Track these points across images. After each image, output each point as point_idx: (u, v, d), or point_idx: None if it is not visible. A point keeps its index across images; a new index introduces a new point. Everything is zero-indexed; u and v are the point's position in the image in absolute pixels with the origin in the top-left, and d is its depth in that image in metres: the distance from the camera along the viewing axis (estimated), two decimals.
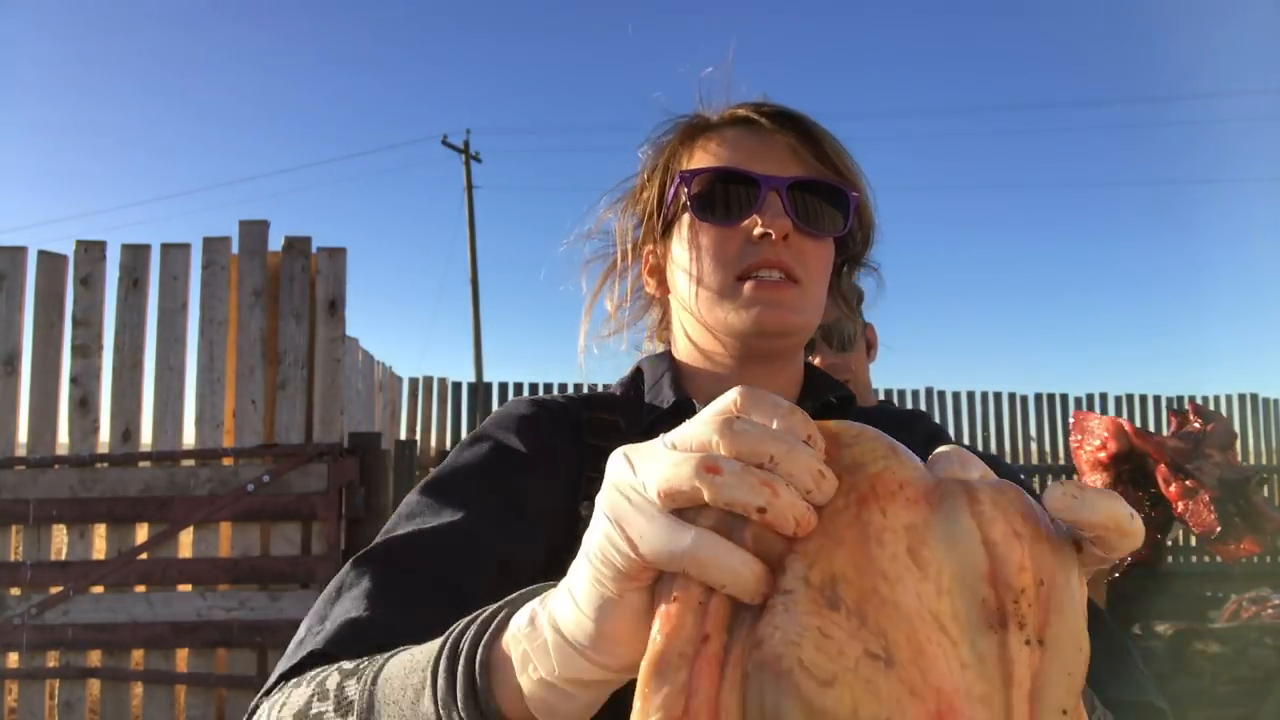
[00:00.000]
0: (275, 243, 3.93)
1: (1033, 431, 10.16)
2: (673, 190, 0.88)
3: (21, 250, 3.85)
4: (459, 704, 0.52)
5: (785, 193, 0.83)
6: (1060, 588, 0.40)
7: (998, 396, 9.54)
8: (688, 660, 0.39)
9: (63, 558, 3.70)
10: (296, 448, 3.74)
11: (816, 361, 1.22)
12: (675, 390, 0.91)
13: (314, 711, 0.61)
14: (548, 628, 0.48)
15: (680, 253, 0.88)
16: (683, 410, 0.88)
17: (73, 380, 3.76)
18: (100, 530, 3.75)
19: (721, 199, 0.85)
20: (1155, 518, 1.40)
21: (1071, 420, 1.47)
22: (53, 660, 3.66)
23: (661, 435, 0.44)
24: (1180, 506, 1.39)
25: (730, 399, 0.43)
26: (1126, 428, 1.43)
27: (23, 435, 3.74)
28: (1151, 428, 9.67)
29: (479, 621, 0.54)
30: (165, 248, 3.89)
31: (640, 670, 0.39)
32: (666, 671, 0.39)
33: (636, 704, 0.39)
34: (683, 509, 0.41)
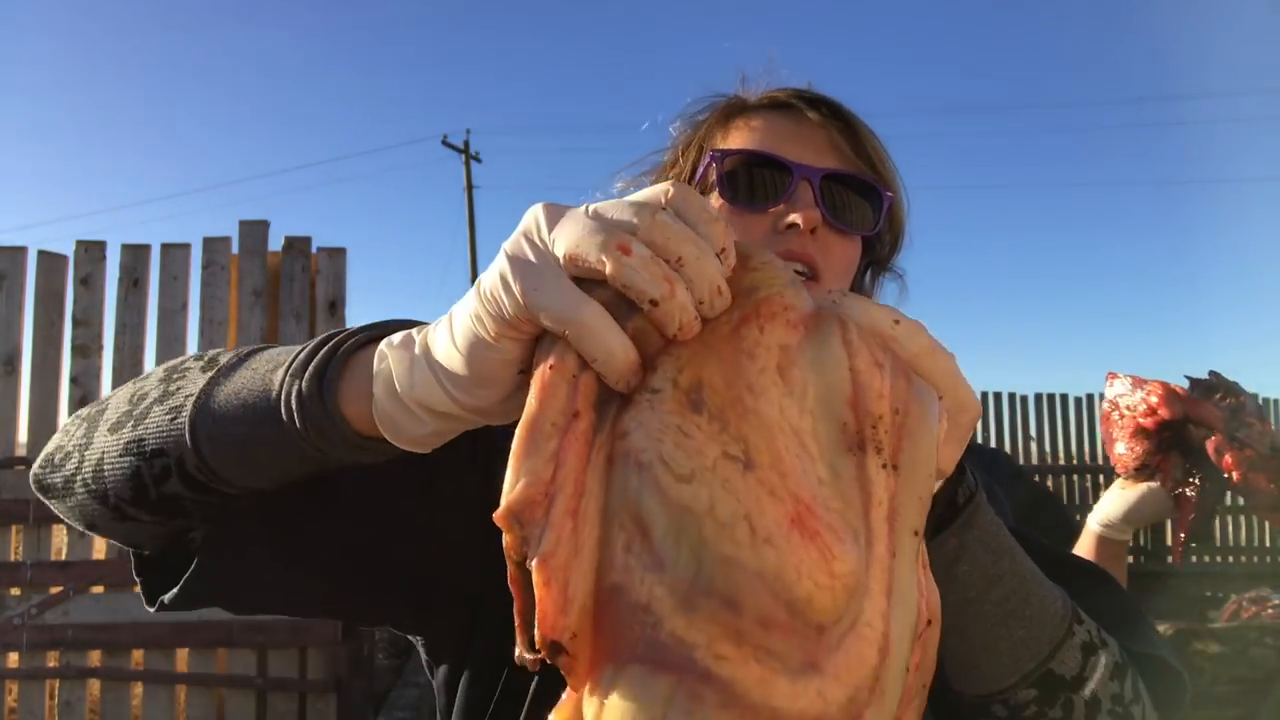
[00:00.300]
0: (275, 243, 3.94)
1: (1033, 431, 10.14)
2: (703, 168, 0.85)
3: (21, 250, 3.85)
4: (305, 377, 0.53)
5: (818, 183, 0.80)
6: (915, 417, 0.42)
7: (998, 396, 9.53)
8: (559, 431, 0.40)
9: (63, 558, 3.70)
10: None
11: None
12: None
13: (184, 366, 0.62)
14: (418, 347, 0.49)
15: None
16: None
17: (73, 380, 3.75)
18: None
19: (751, 183, 0.81)
20: (1207, 489, 1.35)
21: (1106, 383, 1.40)
22: (53, 660, 3.66)
23: (592, 203, 0.44)
24: (1237, 476, 1.35)
25: (663, 188, 0.44)
26: (1180, 392, 1.39)
27: (23, 435, 3.74)
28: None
29: (361, 328, 0.55)
30: (165, 248, 3.89)
31: (516, 433, 0.41)
32: (539, 438, 0.40)
33: (510, 464, 0.40)
34: (582, 278, 0.42)
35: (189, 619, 3.61)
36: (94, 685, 3.68)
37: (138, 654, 3.72)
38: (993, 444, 10.08)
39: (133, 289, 3.84)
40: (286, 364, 0.55)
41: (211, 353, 0.63)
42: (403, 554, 0.71)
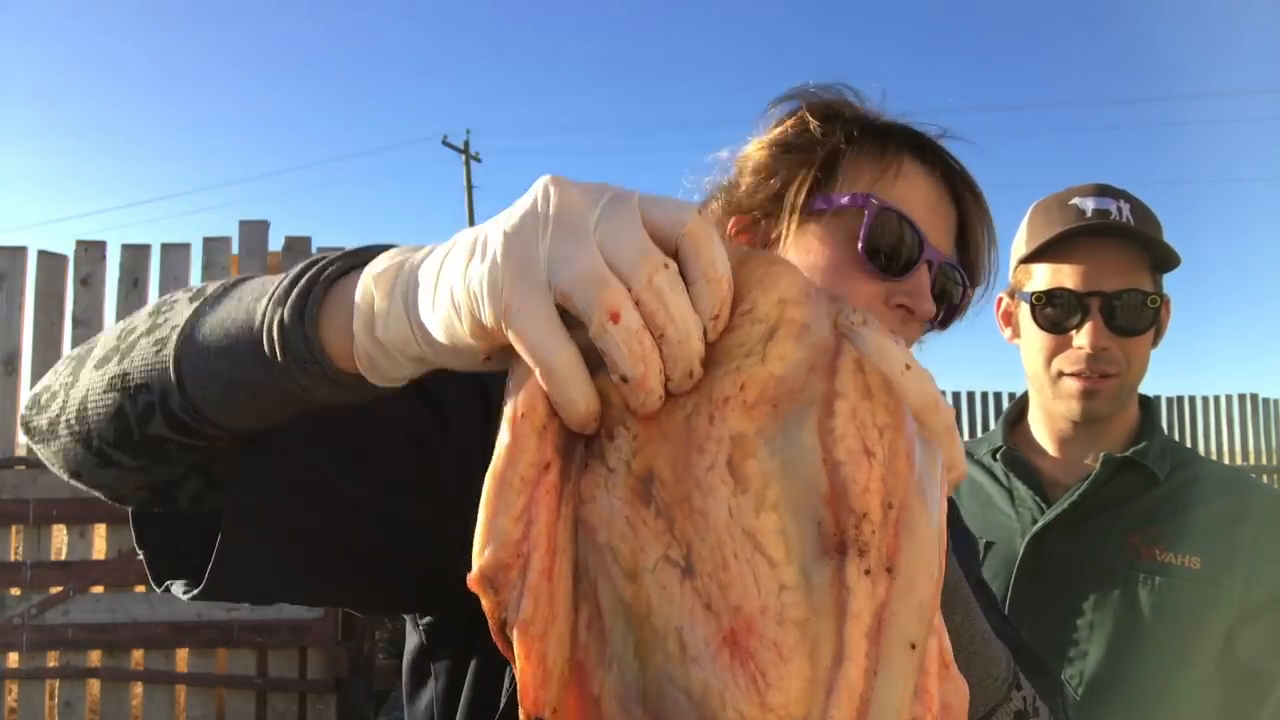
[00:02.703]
0: (275, 243, 3.93)
1: None
2: (849, 198, 0.80)
3: (21, 250, 3.85)
4: (287, 306, 0.50)
5: (935, 269, 0.79)
6: (916, 509, 0.37)
7: (998, 396, 9.51)
8: (528, 485, 0.39)
9: (63, 558, 3.70)
10: None
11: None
12: None
13: (172, 299, 0.60)
14: (399, 290, 0.47)
15: (810, 252, 0.81)
16: None
17: None
18: (100, 530, 3.74)
19: (890, 248, 0.78)
20: None
21: None
22: (53, 660, 3.66)
23: (606, 211, 0.40)
24: None
25: (682, 224, 0.40)
26: None
27: (23, 436, 3.72)
28: None
29: (343, 254, 0.52)
30: (165, 248, 3.89)
31: (485, 484, 0.39)
32: (507, 494, 0.38)
33: (479, 523, 0.38)
34: (567, 312, 0.40)
35: (189, 619, 3.62)
36: (94, 685, 3.67)
37: (138, 654, 3.71)
38: None
39: (133, 289, 3.83)
40: (270, 292, 0.52)
41: (201, 285, 0.61)
42: (413, 555, 0.70)
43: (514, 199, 0.43)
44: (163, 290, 3.86)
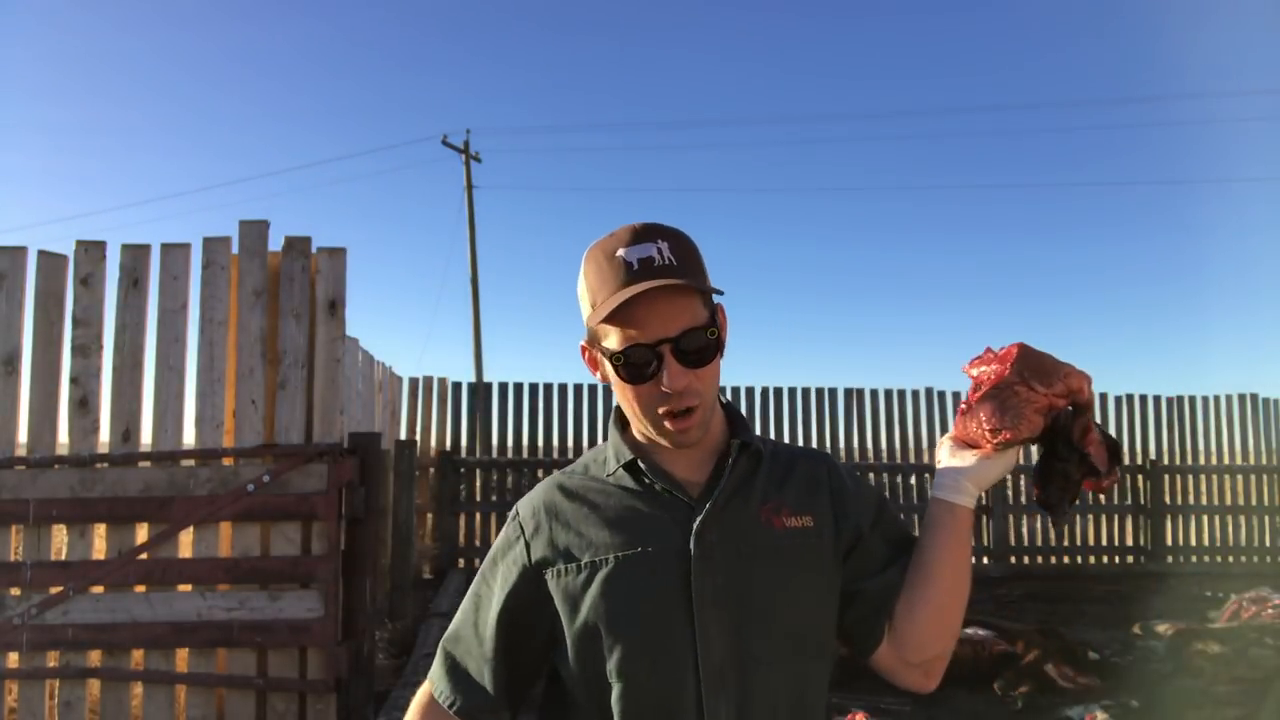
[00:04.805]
0: (275, 243, 3.93)
1: None
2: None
3: (21, 250, 3.85)
4: None
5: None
6: None
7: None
8: None
9: (63, 558, 3.70)
10: (296, 448, 3.74)
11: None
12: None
13: None
14: None
15: None
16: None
17: (73, 380, 3.75)
18: (100, 530, 3.75)
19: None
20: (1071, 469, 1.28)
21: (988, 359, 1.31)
22: (53, 660, 3.66)
23: None
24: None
25: None
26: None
27: (23, 435, 3.73)
28: (1151, 427, 9.65)
29: None
30: (165, 248, 3.89)
31: None
32: None
33: None
34: None
35: (189, 619, 3.62)
36: (94, 685, 3.68)
37: (138, 654, 3.72)
38: None
39: (133, 289, 3.83)
40: None
41: None
42: None
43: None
44: (162, 290, 3.86)
